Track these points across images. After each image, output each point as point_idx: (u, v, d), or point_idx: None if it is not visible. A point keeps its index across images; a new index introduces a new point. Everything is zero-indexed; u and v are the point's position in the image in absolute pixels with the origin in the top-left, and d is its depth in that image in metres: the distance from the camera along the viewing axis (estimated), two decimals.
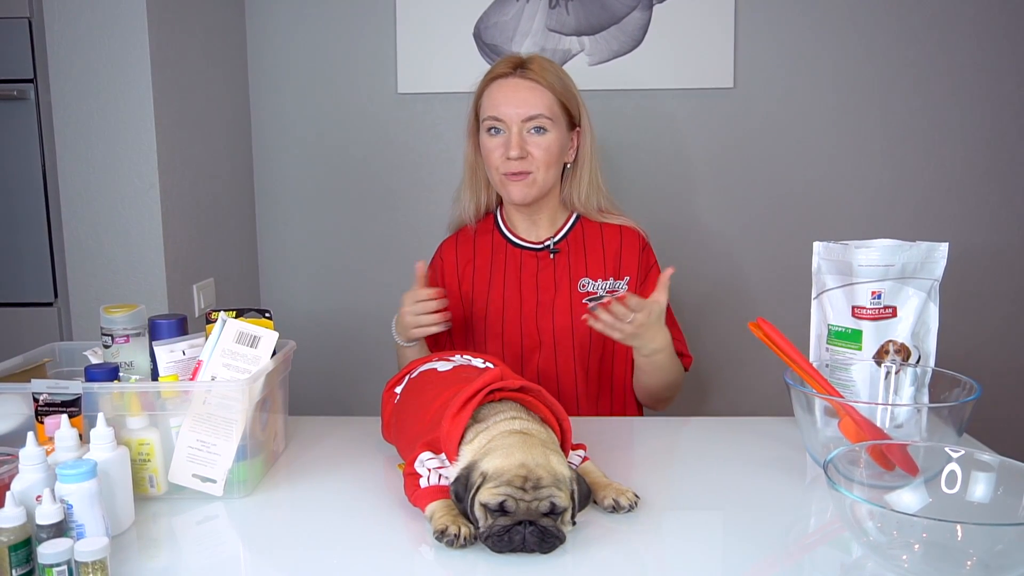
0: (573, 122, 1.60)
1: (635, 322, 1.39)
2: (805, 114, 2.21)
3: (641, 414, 1.67)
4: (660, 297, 1.43)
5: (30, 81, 1.76)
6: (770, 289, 2.27)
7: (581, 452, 1.12)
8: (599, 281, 1.59)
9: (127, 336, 1.20)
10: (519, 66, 1.56)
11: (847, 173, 2.24)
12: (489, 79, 1.57)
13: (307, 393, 2.29)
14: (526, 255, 1.62)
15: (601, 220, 1.64)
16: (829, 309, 1.30)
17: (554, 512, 0.93)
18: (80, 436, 1.01)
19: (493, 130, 1.55)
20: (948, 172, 2.22)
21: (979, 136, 2.20)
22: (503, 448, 0.96)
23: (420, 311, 1.47)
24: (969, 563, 0.85)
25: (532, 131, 1.54)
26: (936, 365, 1.25)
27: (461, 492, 0.96)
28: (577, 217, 1.65)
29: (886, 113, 2.20)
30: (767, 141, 2.23)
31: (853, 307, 1.27)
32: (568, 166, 1.62)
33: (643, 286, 1.61)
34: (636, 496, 1.06)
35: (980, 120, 2.20)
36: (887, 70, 2.18)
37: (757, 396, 2.29)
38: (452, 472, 1.00)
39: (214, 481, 1.10)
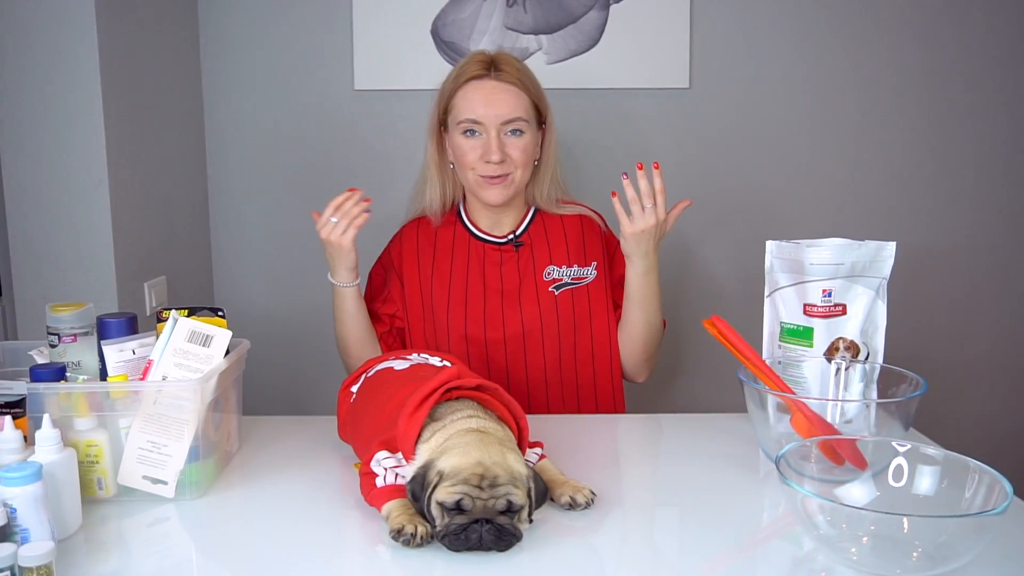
0: (540, 120, 1.61)
1: (656, 209, 1.44)
2: (759, 115, 2.25)
3: (612, 408, 1.67)
4: (670, 219, 1.48)
5: None
6: (726, 287, 2.31)
7: (538, 450, 1.13)
8: (564, 268, 1.60)
9: (74, 335, 1.17)
10: (491, 66, 1.56)
11: (803, 172, 2.28)
12: (462, 80, 1.56)
13: (262, 392, 2.26)
14: (489, 248, 1.63)
15: (559, 211, 1.66)
16: (781, 307, 1.33)
17: (511, 510, 0.94)
18: (25, 438, 0.99)
19: (469, 132, 1.55)
20: (896, 173, 2.27)
21: (925, 138, 2.26)
22: (460, 446, 0.96)
23: (343, 215, 1.47)
24: (915, 554, 0.88)
25: (509, 133, 1.54)
26: (884, 362, 1.28)
27: (418, 491, 0.96)
28: (536, 210, 1.66)
29: (838, 114, 2.25)
30: (722, 141, 2.26)
31: (804, 305, 1.29)
32: (535, 163, 1.63)
33: (611, 269, 1.65)
34: (593, 493, 1.06)
35: (927, 122, 2.25)
36: (842, 71, 2.23)
37: (712, 392, 2.32)
38: (408, 471, 0.99)
39: (165, 483, 1.08)
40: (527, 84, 1.57)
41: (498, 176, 1.55)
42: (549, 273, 1.60)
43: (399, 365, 1.22)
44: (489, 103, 1.53)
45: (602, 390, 1.64)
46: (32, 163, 1.73)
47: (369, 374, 1.24)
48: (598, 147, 2.24)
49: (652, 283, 1.54)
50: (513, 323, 1.58)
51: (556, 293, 1.58)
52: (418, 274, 1.63)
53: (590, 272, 1.61)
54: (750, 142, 2.26)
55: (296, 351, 2.33)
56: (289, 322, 2.32)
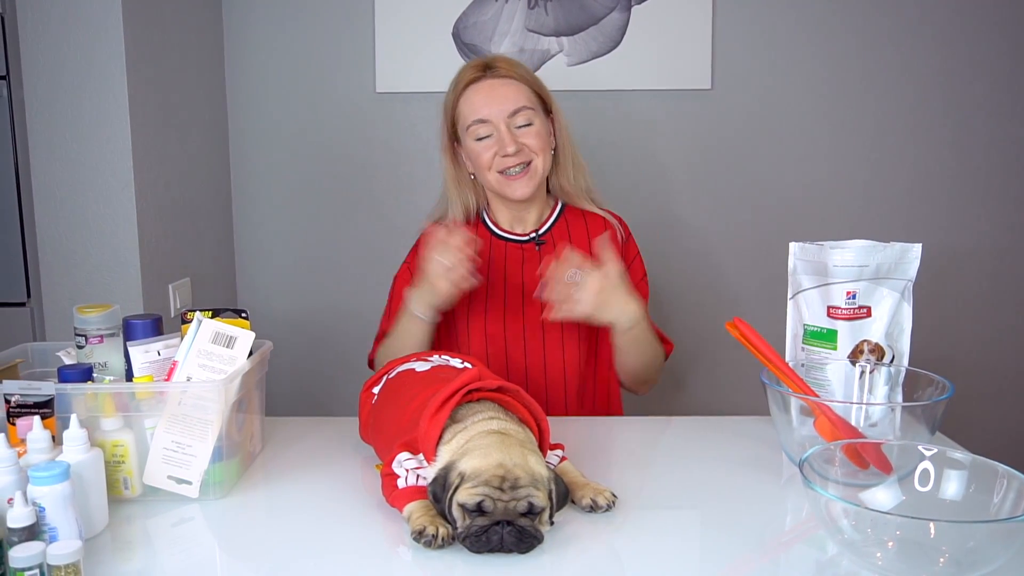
0: (547, 109, 1.61)
1: (586, 286, 1.39)
2: (782, 116, 2.23)
3: (622, 411, 1.67)
4: (608, 261, 1.43)
5: (3, 78, 1.74)
6: (747, 289, 2.29)
7: (559, 452, 1.12)
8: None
9: (101, 336, 1.19)
10: (486, 67, 1.57)
11: (824, 174, 2.26)
12: (461, 88, 1.57)
13: (284, 393, 2.27)
14: (511, 247, 1.62)
15: (587, 208, 1.65)
16: (805, 309, 1.31)
17: (532, 512, 0.93)
18: (53, 438, 1.00)
19: (481, 136, 1.55)
20: (922, 174, 2.25)
21: (951, 138, 2.23)
22: (481, 448, 0.96)
23: (453, 258, 1.41)
24: (942, 560, 0.86)
25: (519, 127, 1.54)
26: (909, 364, 1.26)
27: (439, 492, 0.96)
28: (562, 208, 1.66)
29: (863, 114, 2.23)
30: (744, 142, 2.25)
31: (828, 307, 1.28)
32: (552, 151, 1.63)
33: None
34: (614, 496, 1.06)
35: (952, 122, 2.23)
36: (863, 72, 2.21)
37: (734, 395, 2.30)
38: (430, 473, 0.99)
39: (189, 483, 1.09)
40: (524, 75, 1.57)
41: (518, 167, 1.55)
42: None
43: (420, 367, 1.22)
44: (491, 100, 1.54)
45: (617, 393, 1.64)
46: (60, 167, 1.76)
47: (391, 375, 1.25)
48: (619, 149, 2.24)
49: (637, 334, 1.49)
50: (533, 322, 1.57)
51: (535, 294, 1.58)
52: None
53: None
54: (772, 143, 2.24)
55: (317, 353, 2.35)
56: (311, 324, 2.34)
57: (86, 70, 1.73)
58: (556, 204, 1.66)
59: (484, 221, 1.66)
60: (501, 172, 1.55)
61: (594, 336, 1.58)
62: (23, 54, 1.72)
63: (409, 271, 1.68)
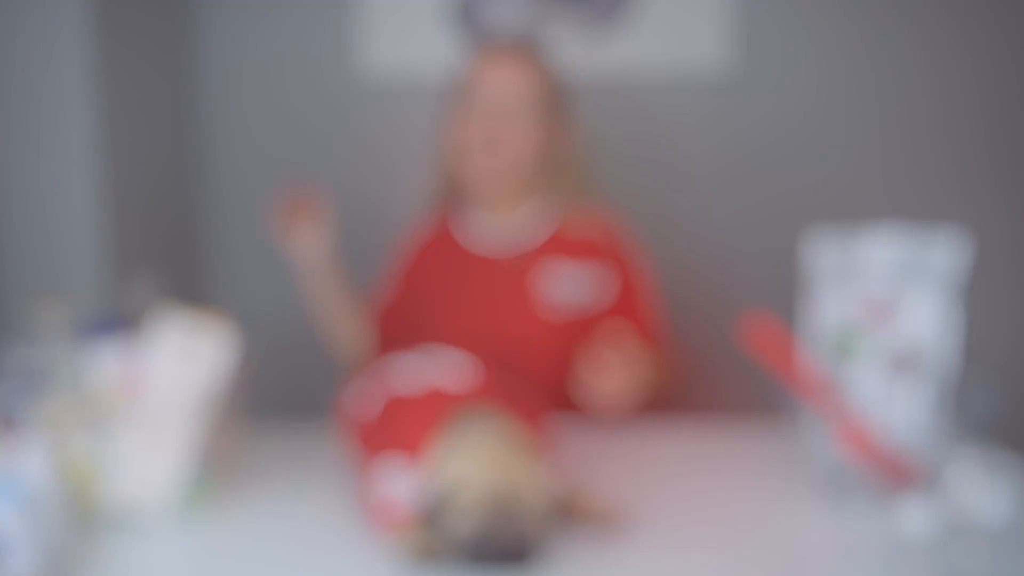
0: None
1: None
2: (798, 95, 2.13)
3: None
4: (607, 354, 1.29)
5: None
6: (761, 283, 2.18)
7: (561, 462, 1.08)
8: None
9: (57, 337, 1.09)
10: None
11: (857, 164, 2.14)
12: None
13: (262, 395, 2.19)
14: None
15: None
16: (831, 308, 1.23)
17: (532, 525, 0.89)
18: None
19: None
20: (968, 167, 2.10)
21: (1000, 129, 2.09)
22: (479, 459, 0.92)
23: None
24: None
25: None
26: (950, 367, 1.16)
27: (435, 506, 0.91)
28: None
29: (908, 102, 2.09)
30: (758, 125, 2.14)
31: (856, 305, 1.19)
32: None
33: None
34: (619, 510, 1.00)
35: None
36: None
37: (745, 392, 2.22)
38: (425, 485, 0.94)
39: (158, 499, 1.01)
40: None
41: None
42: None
43: (412, 391, 1.14)
44: None
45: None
46: (11, 154, 1.65)
47: (383, 400, 1.17)
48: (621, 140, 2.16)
49: (654, 385, 1.39)
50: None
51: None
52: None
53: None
54: (790, 126, 2.14)
55: (295, 352, 2.27)
56: (288, 324, 2.27)
57: (43, 44, 1.62)
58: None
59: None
60: None
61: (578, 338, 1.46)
62: None
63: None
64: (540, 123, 1.46)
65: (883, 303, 1.18)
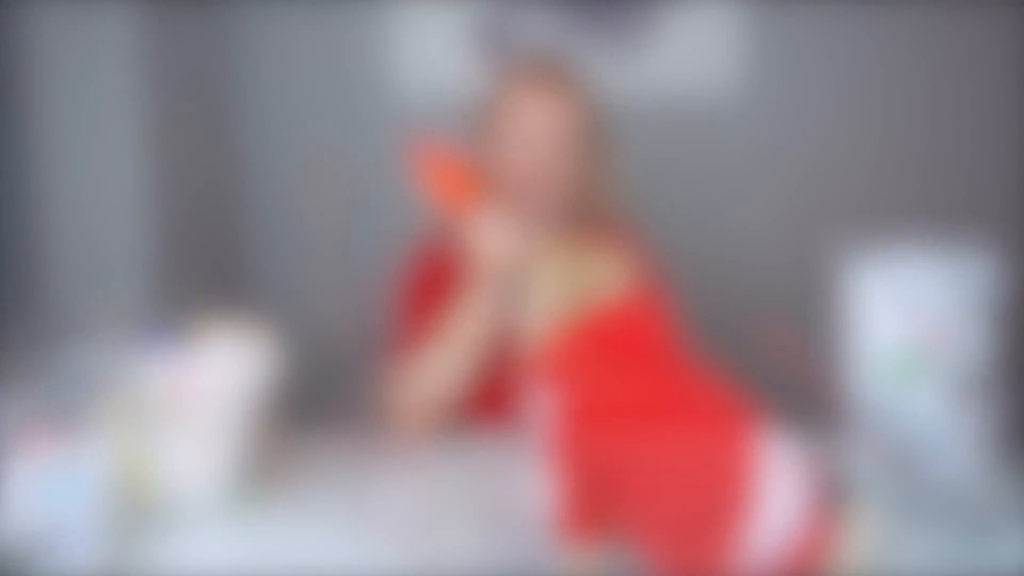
0: None
1: None
2: (814, 117, 2.12)
3: None
4: None
5: None
6: (783, 303, 2.18)
7: None
8: None
9: (112, 340, 1.12)
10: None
11: (860, 172, 2.12)
12: None
13: (305, 400, 2.21)
14: None
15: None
16: (871, 328, 1.21)
17: None
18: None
19: None
20: (982, 171, 2.08)
21: None
22: None
23: None
24: None
25: None
26: (1007, 395, 1.14)
27: None
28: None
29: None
30: (774, 147, 2.14)
31: (901, 324, 1.17)
32: None
33: None
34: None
35: None
36: None
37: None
38: None
39: (207, 495, 1.05)
40: None
41: None
42: None
43: None
44: None
45: None
46: (64, 166, 1.70)
47: None
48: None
49: None
50: None
51: None
52: None
53: None
54: (815, 152, 2.14)
55: (333, 354, 2.29)
56: (326, 325, 2.29)
57: (96, 63, 1.67)
58: None
59: None
60: None
61: None
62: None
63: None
64: (579, 156, 1.36)
65: (940, 327, 1.15)
